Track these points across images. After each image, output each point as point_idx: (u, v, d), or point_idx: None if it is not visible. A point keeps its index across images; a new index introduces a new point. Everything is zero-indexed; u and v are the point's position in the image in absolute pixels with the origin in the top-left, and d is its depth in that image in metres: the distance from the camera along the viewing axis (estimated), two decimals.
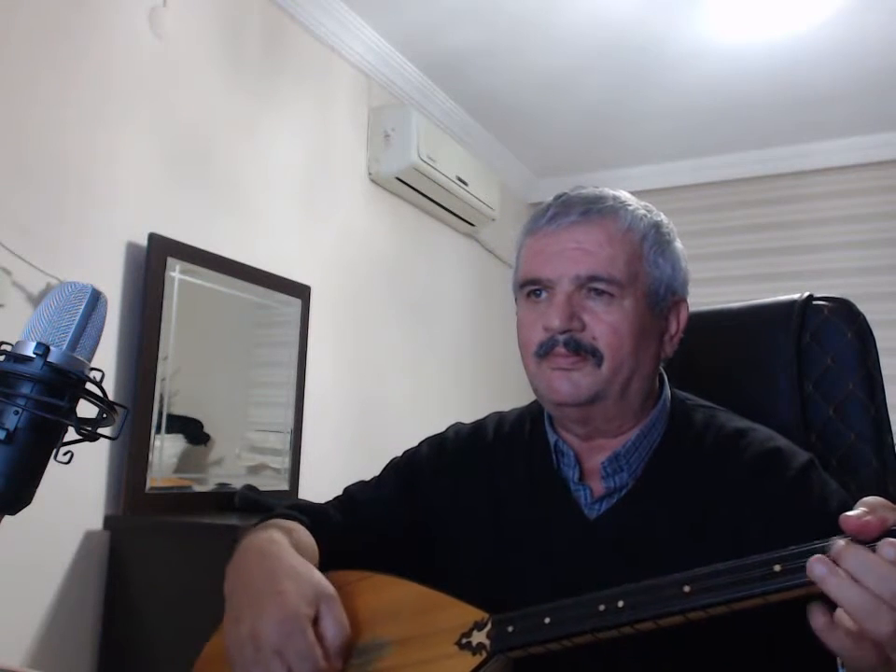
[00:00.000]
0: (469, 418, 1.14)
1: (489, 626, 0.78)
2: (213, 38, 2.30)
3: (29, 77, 1.79)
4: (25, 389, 0.57)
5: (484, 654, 0.76)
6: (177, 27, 2.15)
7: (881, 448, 1.06)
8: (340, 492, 1.12)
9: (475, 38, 2.85)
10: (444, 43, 2.90)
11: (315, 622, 0.81)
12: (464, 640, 0.78)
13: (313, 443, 2.58)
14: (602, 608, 0.70)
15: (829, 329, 1.10)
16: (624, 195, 0.98)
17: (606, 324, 0.90)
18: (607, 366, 0.90)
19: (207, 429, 2.20)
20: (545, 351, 0.92)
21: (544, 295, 0.94)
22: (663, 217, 0.98)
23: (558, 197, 0.97)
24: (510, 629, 0.76)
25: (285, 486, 2.44)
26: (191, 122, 2.22)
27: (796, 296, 1.14)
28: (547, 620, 0.73)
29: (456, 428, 1.10)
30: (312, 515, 1.02)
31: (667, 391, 1.00)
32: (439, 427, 1.15)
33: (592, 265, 0.90)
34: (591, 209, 0.93)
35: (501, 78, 3.14)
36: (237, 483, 2.24)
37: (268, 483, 2.36)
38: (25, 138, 1.78)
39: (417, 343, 3.24)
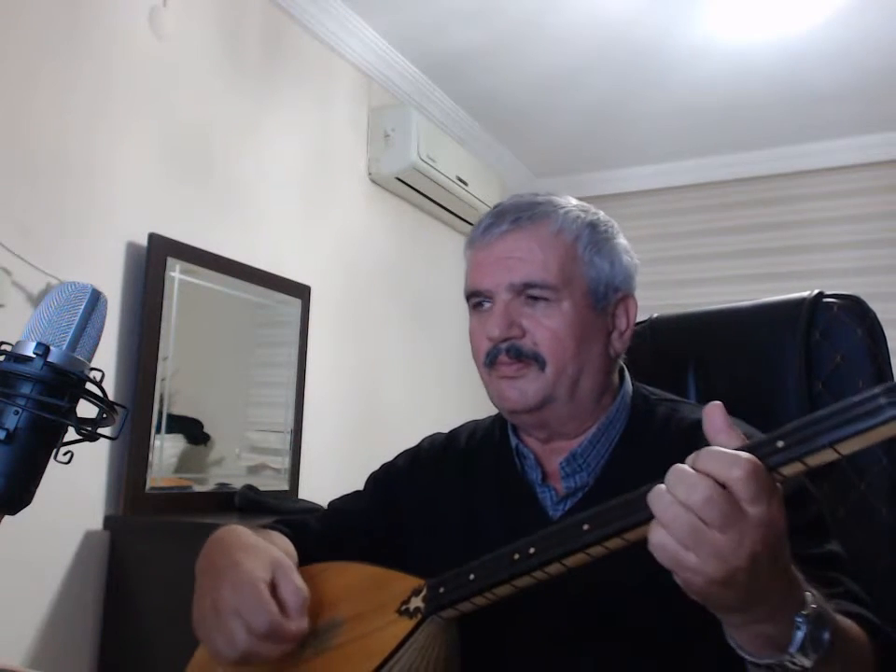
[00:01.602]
0: (468, 417, 1.15)
1: (424, 591, 0.81)
2: (213, 39, 2.30)
3: (29, 76, 1.79)
4: (25, 389, 0.57)
5: (419, 616, 0.80)
6: (177, 27, 2.15)
7: (891, 446, 1.06)
8: (340, 492, 1.15)
9: (475, 38, 2.85)
10: (444, 43, 2.90)
11: (274, 590, 0.83)
12: (403, 607, 0.82)
13: (313, 443, 2.58)
14: (516, 556, 0.73)
15: (838, 326, 1.10)
16: (560, 199, 0.98)
17: (545, 328, 0.92)
18: (550, 369, 0.92)
19: (207, 429, 2.20)
20: (491, 360, 0.94)
21: (487, 305, 0.96)
22: (601, 217, 0.99)
23: (495, 207, 0.99)
24: (441, 590, 0.80)
25: (285, 486, 2.44)
26: (191, 122, 2.22)
27: (805, 294, 1.14)
28: (472, 576, 0.77)
29: (431, 439, 1.12)
30: (292, 527, 1.06)
31: (628, 387, 1.00)
32: (438, 425, 1.16)
33: (525, 272, 0.92)
34: (521, 216, 0.95)
35: (501, 78, 3.14)
36: (237, 483, 2.24)
37: (268, 483, 2.36)
38: (25, 138, 1.78)
39: (417, 342, 3.25)
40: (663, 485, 0.61)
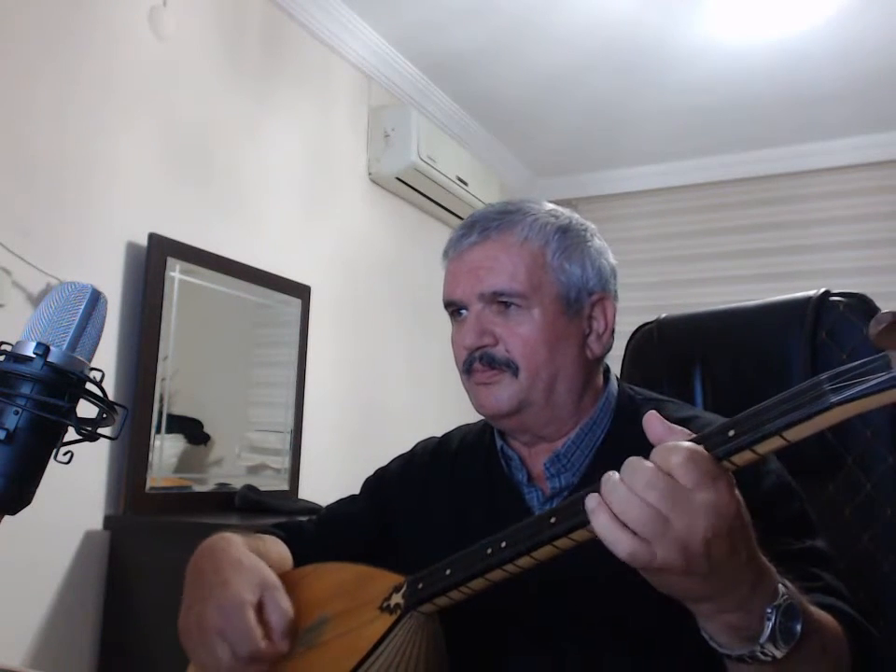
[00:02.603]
0: (467, 417, 1.15)
1: (404, 587, 0.83)
2: (213, 38, 2.30)
3: (29, 76, 1.79)
4: (25, 389, 0.57)
5: (399, 612, 0.82)
6: (177, 27, 2.15)
7: None
8: (340, 492, 1.16)
9: (475, 38, 2.85)
10: (444, 43, 2.90)
11: (261, 609, 0.84)
12: (384, 604, 0.84)
13: (313, 443, 2.58)
14: (489, 551, 0.75)
15: (844, 325, 1.09)
16: (533, 205, 0.99)
17: (516, 335, 0.94)
18: (523, 375, 0.93)
19: (207, 429, 2.20)
20: (467, 368, 0.96)
21: (464, 314, 0.98)
22: (573, 221, 0.99)
23: (468, 218, 1.02)
24: (419, 586, 0.81)
25: (285, 486, 2.44)
26: (191, 122, 2.22)
27: (811, 293, 1.13)
28: (448, 571, 0.78)
29: (424, 443, 1.13)
30: (288, 531, 1.08)
31: (613, 387, 1.01)
32: (437, 426, 1.17)
33: (493, 282, 0.94)
34: (489, 227, 0.97)
35: (501, 78, 3.13)
36: (237, 483, 2.24)
37: (268, 483, 2.36)
38: (25, 138, 1.78)
39: (417, 342, 3.24)
40: (616, 473, 0.62)
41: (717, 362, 1.16)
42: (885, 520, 1.03)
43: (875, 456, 1.05)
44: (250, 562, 0.91)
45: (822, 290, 1.12)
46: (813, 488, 0.89)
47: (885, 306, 1.11)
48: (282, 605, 0.85)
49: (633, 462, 0.62)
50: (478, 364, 0.94)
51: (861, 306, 1.10)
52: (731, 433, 0.61)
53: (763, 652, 0.63)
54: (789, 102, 3.26)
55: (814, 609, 0.67)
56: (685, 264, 3.89)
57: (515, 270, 0.94)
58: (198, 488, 2.15)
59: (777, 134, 3.57)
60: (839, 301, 1.11)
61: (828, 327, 1.10)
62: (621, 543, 0.60)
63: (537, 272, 0.94)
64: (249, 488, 2.20)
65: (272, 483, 2.38)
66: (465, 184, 3.23)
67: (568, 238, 0.97)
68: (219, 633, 0.81)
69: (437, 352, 3.32)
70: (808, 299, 1.12)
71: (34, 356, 0.57)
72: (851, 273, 3.50)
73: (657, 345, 1.24)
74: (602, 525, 0.61)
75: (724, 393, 1.06)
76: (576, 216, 1.01)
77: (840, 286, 1.15)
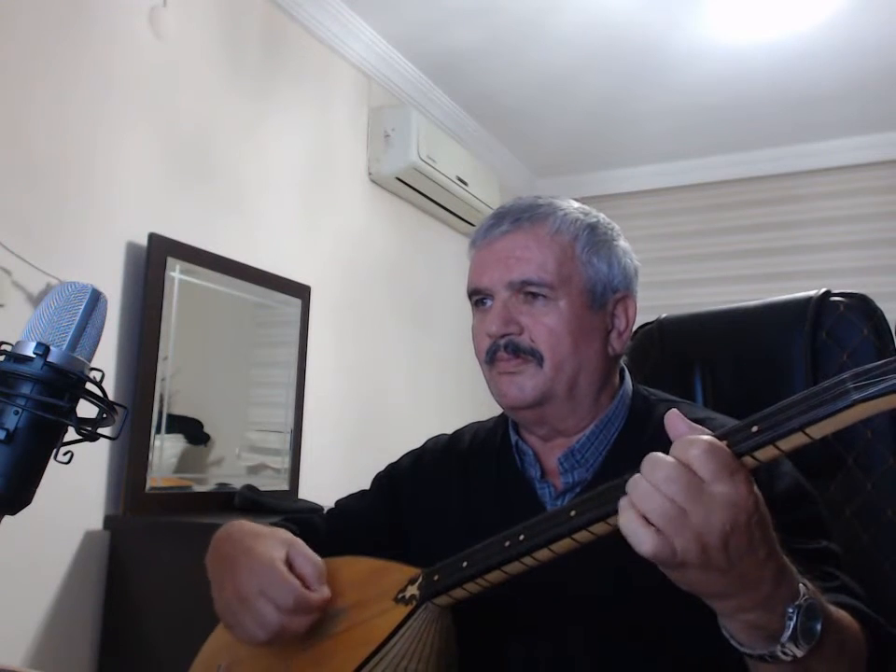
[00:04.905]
0: (467, 416, 1.15)
1: (420, 579, 0.84)
2: (213, 38, 2.30)
3: (29, 76, 1.79)
4: (25, 389, 0.57)
5: (414, 603, 0.83)
6: (177, 27, 2.15)
7: None
8: (340, 492, 1.16)
9: (475, 38, 2.85)
10: (444, 43, 2.90)
11: (290, 566, 0.86)
12: (399, 595, 0.85)
13: (313, 443, 2.58)
14: (507, 543, 0.75)
15: (845, 325, 1.10)
16: (562, 202, 1.01)
17: (542, 325, 0.94)
18: (548, 365, 0.94)
19: (207, 429, 2.20)
20: (490, 357, 0.97)
21: (488, 303, 0.99)
22: (601, 219, 1.01)
23: (498, 209, 1.02)
24: (435, 578, 0.82)
25: (285, 486, 2.44)
26: (191, 122, 2.22)
27: (812, 293, 1.14)
28: (465, 564, 0.79)
29: (435, 440, 1.14)
30: (300, 525, 1.09)
31: (627, 387, 1.02)
32: (438, 426, 1.17)
33: (522, 270, 0.95)
34: (521, 217, 0.98)
35: (501, 78, 3.14)
36: (237, 483, 2.24)
37: (268, 483, 2.36)
38: (25, 138, 1.78)
39: (417, 342, 3.24)
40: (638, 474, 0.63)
41: (717, 362, 1.16)
42: (885, 520, 1.03)
43: (875, 457, 1.05)
44: (268, 529, 0.94)
45: (823, 290, 1.12)
46: (813, 488, 0.89)
47: (885, 306, 1.12)
48: (310, 555, 0.88)
49: (652, 457, 0.63)
50: (503, 353, 0.95)
51: (862, 306, 1.10)
52: (754, 429, 0.62)
53: (783, 651, 0.63)
54: (789, 102, 3.26)
55: (833, 609, 0.68)
56: (685, 264, 3.89)
57: (545, 260, 0.95)
58: (198, 488, 2.15)
59: (778, 134, 3.57)
60: (839, 300, 1.11)
61: (828, 327, 1.10)
62: (644, 541, 0.61)
63: (566, 263, 0.95)
64: (249, 488, 2.20)
65: (272, 482, 2.38)
66: (465, 184, 3.23)
67: (597, 235, 0.99)
68: (259, 592, 0.83)
69: (437, 351, 3.32)
70: (809, 299, 1.12)
71: (34, 356, 0.57)
72: (851, 273, 3.51)
73: (658, 345, 1.24)
74: (626, 521, 0.62)
75: (725, 392, 1.06)
76: (602, 215, 1.03)
77: (840, 286, 1.15)
